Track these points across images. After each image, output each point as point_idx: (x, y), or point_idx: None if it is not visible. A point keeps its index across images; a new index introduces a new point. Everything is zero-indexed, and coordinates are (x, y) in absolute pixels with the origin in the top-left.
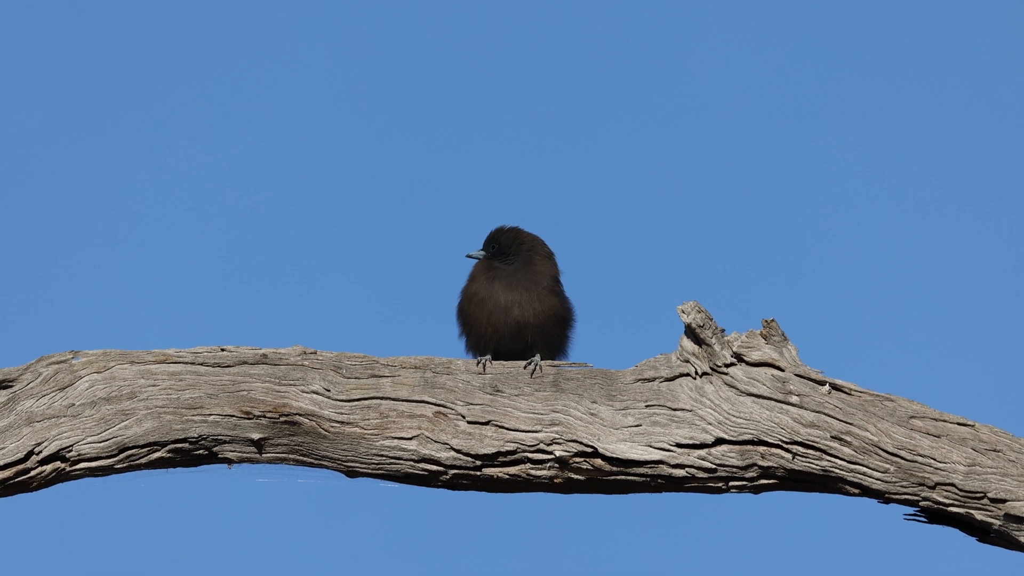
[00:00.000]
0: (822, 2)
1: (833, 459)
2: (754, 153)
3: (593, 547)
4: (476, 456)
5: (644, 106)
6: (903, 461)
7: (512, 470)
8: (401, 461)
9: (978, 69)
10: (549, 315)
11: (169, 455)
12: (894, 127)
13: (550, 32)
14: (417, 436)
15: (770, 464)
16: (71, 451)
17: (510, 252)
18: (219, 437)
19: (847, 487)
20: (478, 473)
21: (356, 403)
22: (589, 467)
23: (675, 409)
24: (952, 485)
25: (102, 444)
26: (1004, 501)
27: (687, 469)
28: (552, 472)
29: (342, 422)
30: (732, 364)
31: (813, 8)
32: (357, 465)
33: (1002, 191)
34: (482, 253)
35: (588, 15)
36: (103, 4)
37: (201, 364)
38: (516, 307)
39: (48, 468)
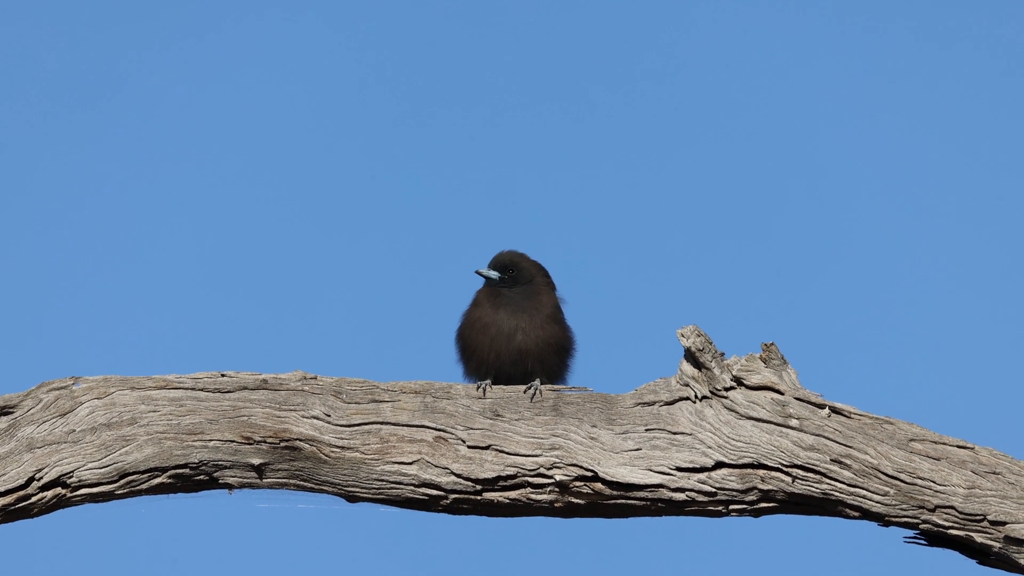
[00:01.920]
0: (815, 13)
1: (833, 482)
2: (752, 177)
3: (594, 571)
4: (476, 480)
5: (642, 122)
6: (903, 484)
7: (512, 494)
8: (401, 486)
9: (976, 76)
10: (551, 343)
11: (170, 480)
12: (895, 145)
13: (544, 56)
14: (417, 461)
15: (770, 487)
16: (72, 477)
17: (518, 280)
18: (220, 462)
19: (847, 510)
20: (478, 498)
21: (356, 428)
22: (589, 491)
23: (675, 433)
24: (952, 508)
25: (103, 470)
26: (1004, 523)
27: (687, 493)
28: (552, 496)
29: (342, 447)
30: (732, 388)
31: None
32: (357, 490)
33: (1007, 213)
34: (495, 274)
35: (587, 26)
36: (73, 8)
37: (201, 390)
38: (520, 333)
39: (49, 494)
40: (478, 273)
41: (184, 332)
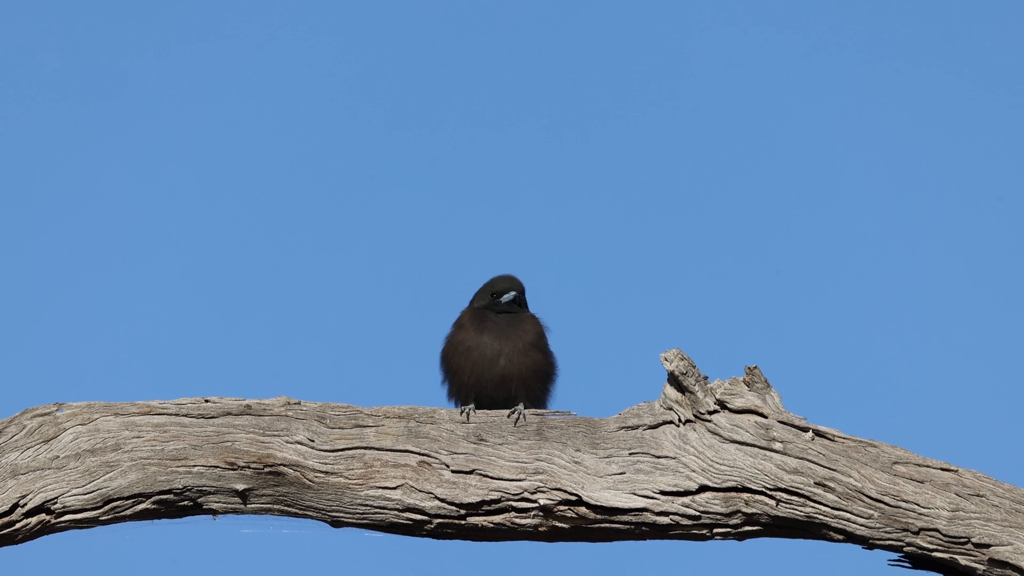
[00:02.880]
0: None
1: (817, 505)
2: (736, 199)
3: None
4: (460, 505)
5: (627, 137)
6: (887, 507)
7: (496, 519)
8: (385, 511)
9: (974, 86)
10: (534, 370)
11: (154, 506)
12: (885, 160)
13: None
14: (401, 486)
15: (754, 511)
16: (56, 503)
17: (509, 307)
18: (204, 488)
19: (831, 533)
20: (462, 522)
21: (340, 453)
22: (573, 515)
23: (659, 456)
24: (936, 530)
25: (87, 496)
26: (988, 546)
27: (671, 516)
28: (536, 520)
29: (326, 472)
30: (715, 411)
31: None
32: (342, 515)
33: (1000, 225)
34: (513, 295)
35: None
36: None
37: (185, 415)
38: (503, 359)
39: (33, 520)
40: (502, 300)
41: (168, 357)
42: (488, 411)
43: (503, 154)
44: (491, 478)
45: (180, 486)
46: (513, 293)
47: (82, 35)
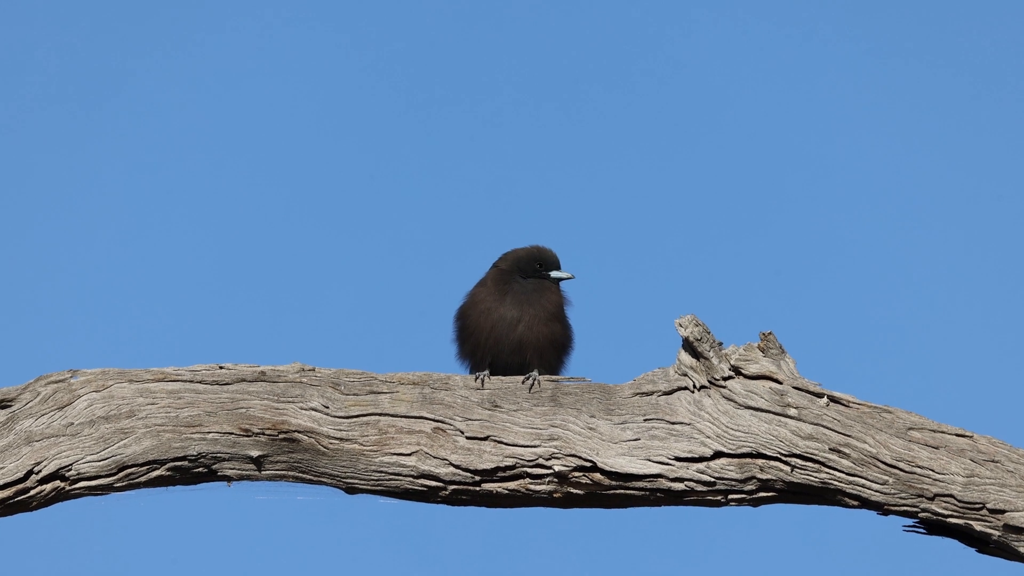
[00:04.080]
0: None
1: (832, 471)
2: (751, 172)
3: (593, 561)
4: (475, 471)
5: (640, 112)
6: (902, 473)
7: (511, 485)
8: (400, 477)
9: (975, 76)
10: (551, 339)
11: (168, 473)
12: (897, 135)
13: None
14: (416, 452)
15: (769, 477)
16: (70, 470)
17: (530, 272)
18: (218, 455)
19: (846, 499)
20: (477, 488)
21: (355, 420)
22: (588, 481)
23: (673, 423)
24: (951, 496)
25: (101, 463)
26: (1003, 512)
27: (686, 483)
28: (551, 487)
29: (341, 439)
30: (730, 377)
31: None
32: (356, 481)
33: (1005, 204)
34: (567, 274)
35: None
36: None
37: (199, 382)
38: (522, 325)
39: (48, 487)
40: (557, 279)
41: (182, 325)
42: (503, 377)
43: (508, 143)
44: (506, 444)
45: (195, 453)
46: (565, 274)
47: (82, 35)
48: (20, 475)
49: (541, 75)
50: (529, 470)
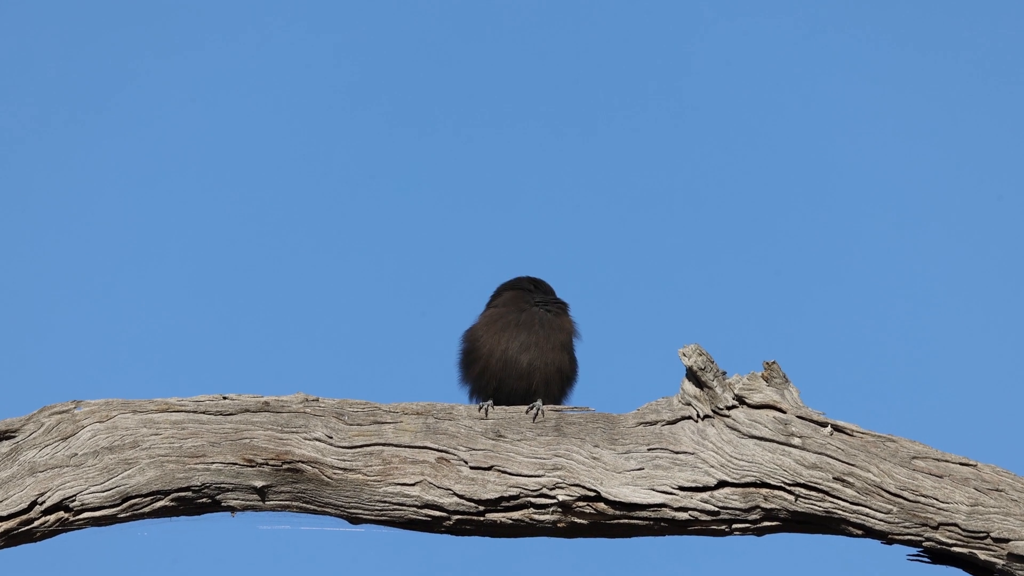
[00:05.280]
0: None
1: (836, 500)
2: (751, 191)
3: None
4: (479, 501)
5: (640, 136)
6: (906, 502)
7: (515, 515)
8: (404, 507)
9: (974, 84)
10: (558, 369)
11: (172, 504)
12: (896, 157)
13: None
14: (420, 482)
15: (773, 506)
16: (74, 501)
17: (549, 302)
18: (222, 485)
19: (850, 528)
20: (481, 518)
21: (358, 450)
22: (592, 511)
23: (677, 452)
24: (955, 525)
25: (105, 494)
26: (1007, 541)
27: (690, 512)
28: (555, 516)
29: (345, 469)
30: (734, 406)
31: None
32: (360, 512)
33: (1009, 222)
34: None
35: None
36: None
37: (203, 412)
38: (534, 349)
39: (52, 518)
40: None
41: (185, 353)
42: (506, 407)
43: (508, 154)
44: (510, 474)
45: (198, 483)
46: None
47: (82, 36)
48: (24, 506)
49: (541, 78)
50: (533, 500)
